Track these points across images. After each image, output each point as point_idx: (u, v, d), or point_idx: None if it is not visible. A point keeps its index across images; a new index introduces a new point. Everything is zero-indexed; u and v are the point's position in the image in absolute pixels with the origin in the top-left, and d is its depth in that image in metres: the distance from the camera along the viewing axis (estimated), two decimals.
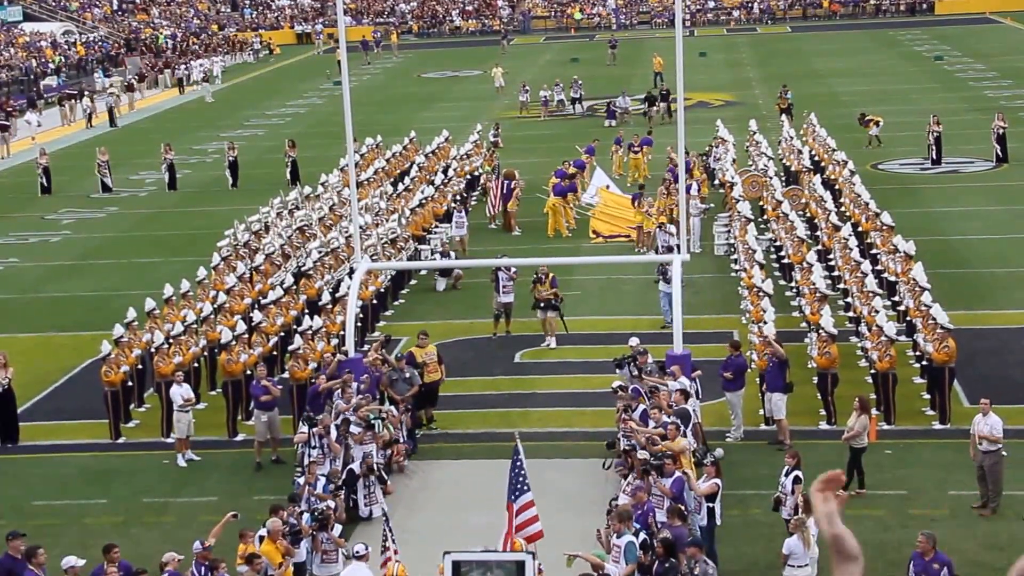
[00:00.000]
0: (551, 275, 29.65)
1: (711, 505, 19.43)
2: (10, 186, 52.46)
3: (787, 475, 19.55)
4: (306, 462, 20.92)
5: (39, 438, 26.09)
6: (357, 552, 17.99)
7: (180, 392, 24.69)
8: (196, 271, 30.71)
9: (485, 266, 31.56)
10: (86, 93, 71.16)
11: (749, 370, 24.66)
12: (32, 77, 79.52)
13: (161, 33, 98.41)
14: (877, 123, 50.07)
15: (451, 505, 21.99)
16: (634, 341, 24.65)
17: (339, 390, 23.55)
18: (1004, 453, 21.27)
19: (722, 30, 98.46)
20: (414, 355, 25.43)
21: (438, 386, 25.61)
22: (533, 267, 30.48)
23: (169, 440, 25.24)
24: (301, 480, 20.53)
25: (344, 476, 21.21)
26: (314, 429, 21.80)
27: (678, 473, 19.49)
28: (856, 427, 21.79)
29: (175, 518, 22.22)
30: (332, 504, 19.61)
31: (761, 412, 24.55)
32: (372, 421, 22.75)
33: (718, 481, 19.57)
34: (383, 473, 21.70)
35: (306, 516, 19.13)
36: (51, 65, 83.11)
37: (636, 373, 23.41)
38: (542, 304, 29.47)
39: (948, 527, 20.14)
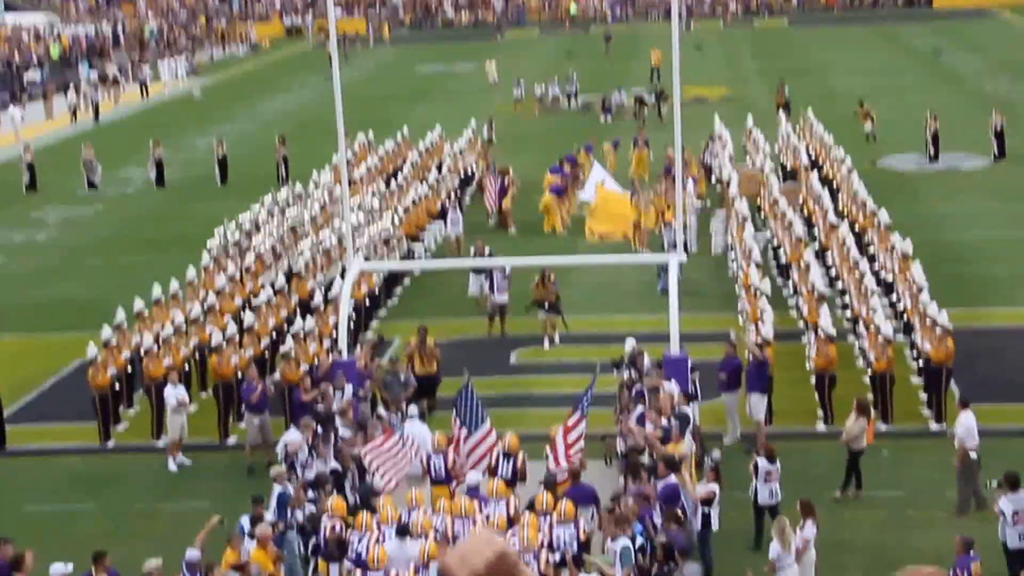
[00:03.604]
0: (552, 277, 29.39)
1: (706, 510, 19.21)
2: None
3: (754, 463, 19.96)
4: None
5: (26, 442, 25.78)
6: (411, 415, 21.76)
7: (174, 393, 24.41)
8: (185, 271, 30.37)
9: (480, 267, 31.15)
10: (70, 87, 70.31)
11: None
12: (14, 70, 78.54)
13: (147, 26, 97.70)
14: (872, 119, 49.75)
15: None
16: (630, 342, 24.37)
17: (320, 397, 23.21)
18: (974, 455, 21.08)
19: (719, 23, 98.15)
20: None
21: (430, 378, 25.55)
22: (528, 267, 30.24)
23: (160, 444, 24.96)
24: (290, 487, 20.18)
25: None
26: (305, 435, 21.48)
27: (672, 478, 19.27)
28: (854, 430, 21.60)
29: (166, 523, 21.96)
30: (315, 509, 19.42)
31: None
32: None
33: (714, 487, 19.36)
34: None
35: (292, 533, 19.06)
36: (34, 58, 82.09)
37: (635, 374, 23.16)
38: (546, 305, 29.23)
39: (946, 529, 19.95)
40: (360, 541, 18.02)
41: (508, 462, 20.53)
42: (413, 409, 22.39)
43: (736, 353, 24.36)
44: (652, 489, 19.05)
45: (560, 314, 29.43)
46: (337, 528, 18.57)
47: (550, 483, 19.36)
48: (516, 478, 20.48)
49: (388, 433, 20.70)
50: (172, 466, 24.19)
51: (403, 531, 18.05)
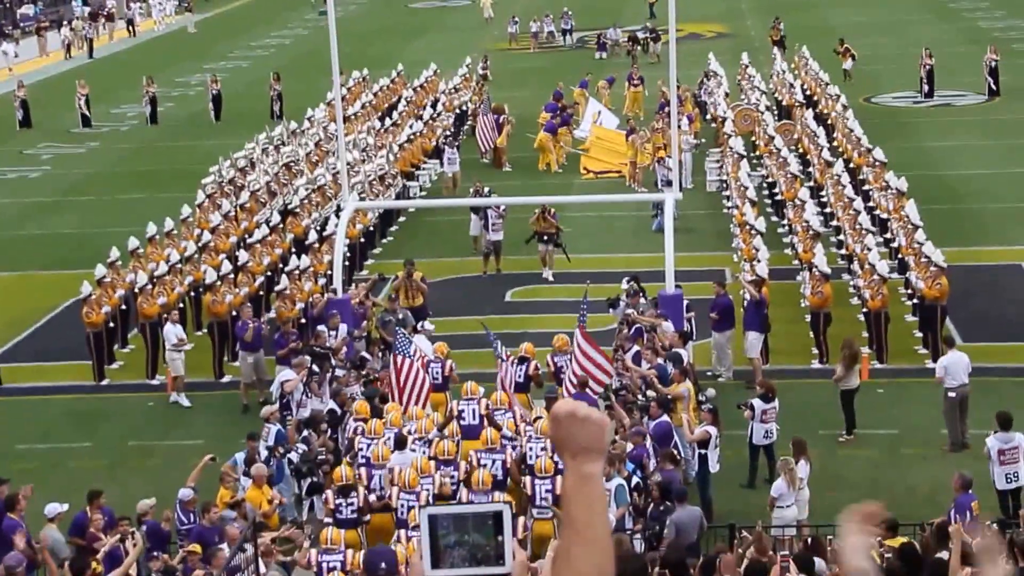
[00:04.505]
0: (552, 210, 29.45)
1: (703, 452, 19.25)
2: None
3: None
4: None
5: (21, 380, 25.76)
6: (422, 327, 23.00)
7: (174, 331, 24.41)
8: (179, 209, 30.24)
9: (477, 205, 30.97)
10: (64, 23, 69.54)
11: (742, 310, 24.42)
12: (7, 5, 77.75)
13: None
14: (853, 56, 49.32)
15: None
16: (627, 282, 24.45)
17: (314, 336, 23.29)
18: (951, 395, 21.20)
19: None
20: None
21: (416, 312, 25.59)
22: (524, 205, 30.18)
23: (154, 382, 24.99)
24: (281, 427, 20.24)
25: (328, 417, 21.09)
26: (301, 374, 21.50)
27: (664, 417, 19.32)
28: (840, 371, 21.65)
29: (161, 461, 21.99)
30: (308, 449, 19.56)
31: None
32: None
33: (709, 429, 19.38)
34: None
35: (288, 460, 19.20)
36: None
37: (634, 310, 23.23)
38: (545, 237, 29.20)
39: (940, 466, 20.05)
40: (368, 448, 18.58)
41: (521, 366, 21.16)
42: (423, 325, 23.66)
43: (726, 293, 24.36)
44: (644, 428, 19.11)
45: (561, 247, 29.42)
46: (359, 430, 19.16)
47: (550, 400, 19.87)
48: (529, 382, 21.05)
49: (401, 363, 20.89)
50: (184, 401, 24.26)
51: (400, 443, 18.41)
